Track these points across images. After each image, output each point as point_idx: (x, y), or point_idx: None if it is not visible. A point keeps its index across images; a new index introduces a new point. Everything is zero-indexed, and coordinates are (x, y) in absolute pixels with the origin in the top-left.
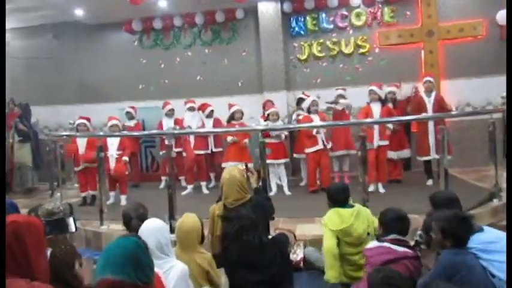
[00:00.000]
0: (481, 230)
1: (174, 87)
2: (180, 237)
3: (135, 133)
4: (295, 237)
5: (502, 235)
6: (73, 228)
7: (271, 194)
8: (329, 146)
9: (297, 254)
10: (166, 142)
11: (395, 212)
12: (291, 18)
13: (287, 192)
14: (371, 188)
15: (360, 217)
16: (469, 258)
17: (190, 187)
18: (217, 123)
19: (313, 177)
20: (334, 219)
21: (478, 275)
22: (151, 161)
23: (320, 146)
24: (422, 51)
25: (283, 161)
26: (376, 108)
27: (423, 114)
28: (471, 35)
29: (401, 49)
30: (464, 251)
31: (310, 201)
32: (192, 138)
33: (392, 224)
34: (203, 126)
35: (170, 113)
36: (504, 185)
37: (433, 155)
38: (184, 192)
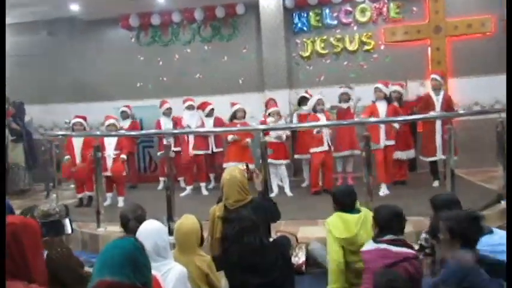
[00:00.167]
0: (490, 232)
1: (172, 85)
2: (178, 240)
3: (133, 132)
4: (297, 240)
5: None
6: (69, 230)
7: (272, 195)
8: (333, 148)
9: (298, 257)
10: (164, 142)
11: (390, 210)
12: (294, 14)
13: (289, 193)
14: (381, 190)
15: (365, 225)
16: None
17: (189, 188)
18: (218, 122)
19: (315, 178)
20: (338, 225)
21: (487, 277)
22: (149, 161)
23: (325, 147)
24: (429, 48)
25: (284, 161)
26: (382, 107)
27: (431, 113)
28: (479, 32)
29: (407, 46)
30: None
31: (313, 203)
32: (191, 138)
33: (388, 222)
34: (203, 125)
35: (168, 112)
36: None
37: (440, 156)
38: (183, 194)
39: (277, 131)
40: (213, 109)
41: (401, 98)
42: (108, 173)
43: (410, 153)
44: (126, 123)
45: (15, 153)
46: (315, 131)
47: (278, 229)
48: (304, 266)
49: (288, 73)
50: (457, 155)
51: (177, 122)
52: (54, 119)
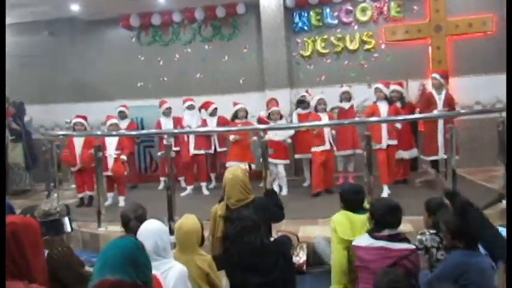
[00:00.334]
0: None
1: (173, 84)
2: (179, 239)
3: (134, 132)
4: (298, 239)
5: None
6: (69, 229)
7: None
8: (335, 147)
9: (299, 257)
10: (165, 142)
11: (386, 203)
12: (294, 14)
13: (284, 192)
14: (384, 191)
15: None
16: (480, 260)
17: (190, 188)
18: (222, 121)
19: (317, 179)
20: (343, 224)
21: (489, 277)
22: (150, 161)
23: (327, 147)
24: (430, 47)
25: (283, 161)
26: (383, 108)
27: (432, 112)
28: (480, 31)
29: (408, 45)
30: (476, 252)
31: (314, 203)
32: (191, 138)
33: (385, 217)
34: (203, 125)
35: (167, 112)
36: None
37: (441, 155)
38: (183, 193)
39: (280, 131)
40: (216, 108)
41: (402, 97)
42: (109, 173)
43: (413, 153)
44: (125, 123)
45: (15, 153)
46: (315, 131)
47: (279, 229)
48: (305, 266)
49: (288, 72)
50: (459, 154)
51: (177, 123)
52: (55, 119)
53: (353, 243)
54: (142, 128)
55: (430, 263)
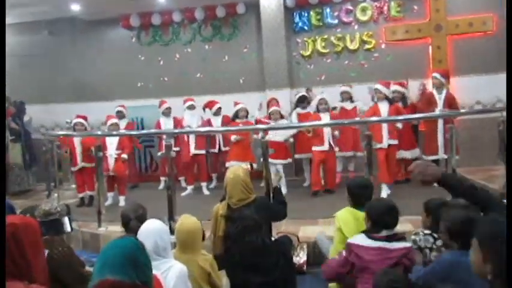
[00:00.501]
0: None
1: (173, 84)
2: (181, 239)
3: (134, 132)
4: (298, 240)
5: None
6: (68, 228)
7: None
8: (336, 148)
9: (300, 257)
10: (165, 142)
11: (384, 204)
12: (294, 13)
13: (284, 192)
14: (383, 190)
15: None
16: (469, 260)
17: (190, 188)
18: (226, 120)
19: (316, 177)
20: (348, 221)
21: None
22: (150, 161)
23: (325, 147)
24: (430, 47)
25: (283, 161)
26: (384, 108)
27: (432, 112)
28: (480, 30)
29: (408, 45)
30: (468, 252)
31: (314, 203)
32: (191, 138)
33: (383, 218)
34: (208, 124)
35: (167, 112)
36: None
37: (441, 155)
38: (184, 193)
39: (281, 131)
40: (220, 108)
41: (404, 97)
42: (110, 173)
43: (415, 153)
44: (123, 123)
45: (14, 153)
46: (309, 133)
47: (279, 229)
48: (305, 266)
49: (288, 72)
50: (459, 154)
51: (178, 124)
52: (55, 119)
53: (349, 241)
54: (143, 128)
55: (424, 263)
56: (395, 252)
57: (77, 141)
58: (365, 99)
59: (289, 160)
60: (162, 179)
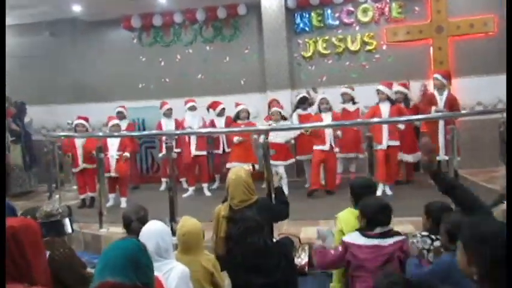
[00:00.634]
0: None
1: (174, 85)
2: (183, 240)
3: (136, 133)
4: (300, 241)
5: None
6: (69, 229)
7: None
8: (337, 149)
9: (301, 258)
10: (165, 143)
11: (377, 202)
12: (295, 14)
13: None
14: (380, 189)
15: None
16: None
17: (191, 189)
18: (230, 121)
19: (315, 175)
20: (350, 222)
21: None
22: (152, 162)
23: (326, 147)
24: (431, 48)
25: (284, 163)
26: (385, 108)
27: (432, 113)
28: (482, 31)
29: (409, 46)
30: None
31: (315, 204)
32: (193, 139)
33: (377, 216)
34: (211, 125)
35: (168, 113)
36: None
37: (442, 156)
38: (185, 195)
39: (282, 133)
40: (224, 109)
41: (406, 98)
42: (112, 174)
43: (417, 156)
44: (124, 124)
45: (15, 154)
46: (308, 132)
47: (280, 230)
48: (306, 267)
49: (289, 73)
50: (460, 155)
51: (179, 125)
52: (56, 120)
53: (344, 239)
54: (144, 129)
55: (420, 262)
56: (389, 248)
57: (78, 142)
58: (367, 100)
59: (291, 161)
60: (164, 180)
